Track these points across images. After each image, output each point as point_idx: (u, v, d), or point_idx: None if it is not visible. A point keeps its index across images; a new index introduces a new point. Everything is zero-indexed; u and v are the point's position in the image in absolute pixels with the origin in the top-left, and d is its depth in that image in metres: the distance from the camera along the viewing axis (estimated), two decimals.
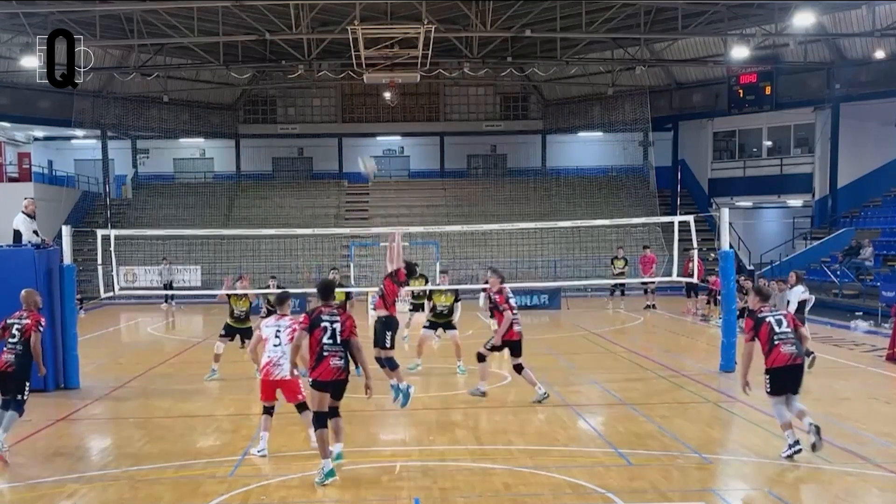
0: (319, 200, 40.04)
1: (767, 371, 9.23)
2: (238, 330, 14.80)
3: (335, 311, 8.80)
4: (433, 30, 25.13)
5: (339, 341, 8.62)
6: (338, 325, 8.64)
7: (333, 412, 8.81)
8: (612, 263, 26.79)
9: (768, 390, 9.28)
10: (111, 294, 17.23)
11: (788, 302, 15.54)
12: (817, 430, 9.08)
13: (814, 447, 9.06)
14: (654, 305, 25.96)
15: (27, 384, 9.85)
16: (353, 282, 28.16)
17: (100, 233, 15.80)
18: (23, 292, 10.34)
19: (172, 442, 10.49)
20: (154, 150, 42.71)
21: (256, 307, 15.75)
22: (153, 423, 11.58)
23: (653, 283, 25.72)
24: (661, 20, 30.06)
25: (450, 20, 29.59)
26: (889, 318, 18.01)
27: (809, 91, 32.75)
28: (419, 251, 31.08)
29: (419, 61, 27.02)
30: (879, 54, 29.49)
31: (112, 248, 16.08)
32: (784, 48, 32.05)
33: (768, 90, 33.21)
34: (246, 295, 15.00)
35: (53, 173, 40.24)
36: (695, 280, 17.89)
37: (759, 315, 9.38)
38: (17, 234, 14.37)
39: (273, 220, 36.61)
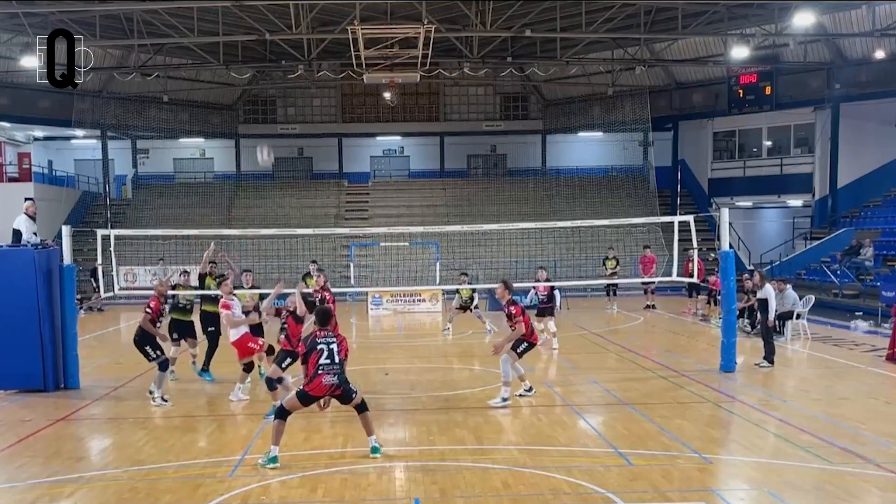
0: (319, 200, 40.05)
1: None
2: (183, 324, 14.74)
3: (331, 333, 9.40)
4: (433, 30, 25.12)
5: (336, 360, 9.19)
6: (335, 346, 9.22)
7: (360, 408, 9.47)
8: (604, 264, 26.78)
9: None
10: (111, 294, 17.24)
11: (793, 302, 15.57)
12: None
13: None
14: (653, 305, 25.96)
15: None
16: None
17: (100, 233, 15.80)
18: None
19: (172, 442, 10.49)
20: (154, 150, 42.70)
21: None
22: (153, 423, 11.58)
23: (653, 283, 25.71)
24: (661, 20, 30.05)
25: (450, 20, 29.58)
26: (889, 318, 18.02)
27: (809, 91, 32.75)
28: (419, 251, 31.11)
29: (419, 61, 27.02)
30: (879, 54, 29.49)
31: (112, 248, 16.09)
32: (784, 48, 32.04)
33: (768, 90, 33.23)
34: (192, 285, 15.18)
35: (53, 173, 40.23)
36: (695, 280, 17.90)
37: None
38: (16, 235, 14.37)
39: (273, 220, 36.62)
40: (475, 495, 8.19)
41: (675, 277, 17.75)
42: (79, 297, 20.48)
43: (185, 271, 15.93)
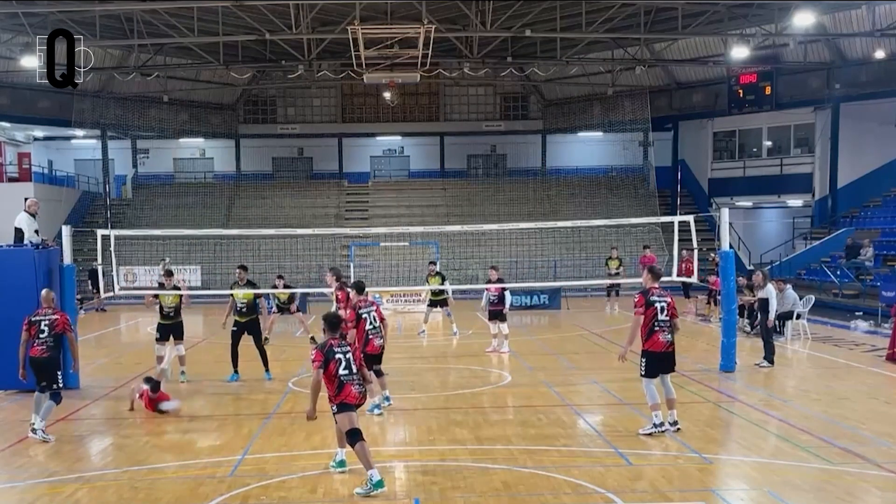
0: (319, 200, 40.04)
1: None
2: (170, 327, 14.65)
3: (344, 342, 8.93)
4: (433, 30, 25.12)
5: (354, 370, 8.71)
6: (350, 356, 8.76)
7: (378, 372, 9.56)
8: (607, 264, 26.77)
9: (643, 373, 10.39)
10: (111, 294, 17.24)
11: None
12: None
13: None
14: None
15: (59, 374, 10.85)
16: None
17: (100, 233, 15.79)
18: (43, 292, 11.54)
19: (172, 442, 10.49)
20: (154, 150, 42.71)
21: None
22: (153, 423, 11.58)
23: None
24: (661, 20, 30.05)
25: (450, 20, 29.60)
26: (889, 318, 18.02)
27: (809, 91, 32.76)
28: (419, 251, 31.09)
29: (419, 61, 27.02)
30: (879, 54, 29.50)
31: (112, 248, 16.09)
32: (784, 48, 32.04)
33: (768, 90, 33.23)
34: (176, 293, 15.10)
35: (53, 173, 40.24)
36: (693, 280, 17.87)
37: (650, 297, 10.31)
38: (18, 233, 14.35)
39: (273, 220, 36.63)
40: (475, 495, 8.19)
41: (675, 278, 17.73)
42: (79, 297, 20.48)
43: (169, 272, 15.61)
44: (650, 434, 10.17)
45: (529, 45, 34.40)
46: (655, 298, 10.25)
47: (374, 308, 11.95)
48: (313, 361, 8.64)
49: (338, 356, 8.65)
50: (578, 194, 38.81)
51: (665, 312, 10.23)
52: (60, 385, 10.89)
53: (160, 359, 14.43)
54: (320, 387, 8.63)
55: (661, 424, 10.25)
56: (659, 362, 10.29)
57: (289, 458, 9.56)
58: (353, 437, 8.44)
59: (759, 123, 36.07)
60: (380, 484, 8.18)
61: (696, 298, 24.88)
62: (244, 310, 14.58)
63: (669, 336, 10.25)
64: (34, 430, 10.59)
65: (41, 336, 10.77)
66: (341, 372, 8.59)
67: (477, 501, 8.08)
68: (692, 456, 9.39)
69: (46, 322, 10.84)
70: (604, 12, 28.15)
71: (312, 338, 17.31)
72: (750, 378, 14.26)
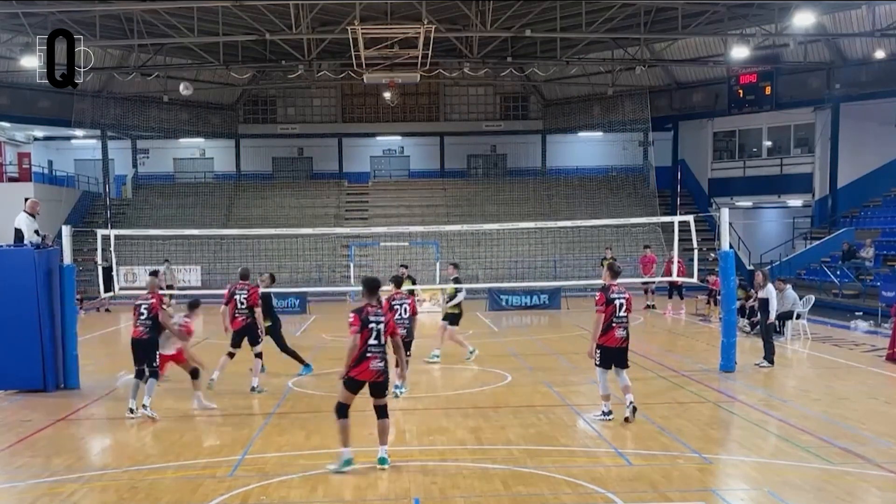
0: (319, 200, 40.06)
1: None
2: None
3: (379, 309, 8.84)
4: (433, 30, 25.13)
5: (382, 342, 8.68)
6: (382, 326, 8.69)
7: (382, 412, 8.95)
8: (602, 264, 26.74)
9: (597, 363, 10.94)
10: (111, 294, 17.23)
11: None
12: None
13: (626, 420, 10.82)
14: (653, 305, 25.96)
15: (157, 353, 11.87)
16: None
17: (100, 233, 15.80)
18: (149, 278, 12.99)
19: (172, 442, 10.49)
20: (154, 150, 42.74)
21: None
22: (153, 423, 11.57)
23: (653, 283, 25.72)
24: (661, 20, 30.06)
25: (450, 20, 29.59)
26: (889, 318, 18.02)
27: (809, 91, 32.75)
28: (419, 251, 31.11)
29: (419, 61, 27.03)
30: (879, 54, 29.50)
31: (112, 248, 16.08)
32: (784, 48, 32.03)
33: (768, 90, 33.24)
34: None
35: (53, 173, 40.26)
36: (679, 279, 17.88)
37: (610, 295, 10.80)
38: (18, 234, 14.35)
39: (273, 220, 36.63)
40: (475, 495, 8.19)
41: (675, 278, 17.76)
42: (79, 297, 20.48)
43: (155, 271, 15.57)
44: (597, 420, 10.98)
45: (529, 45, 34.41)
46: (615, 295, 10.82)
47: (409, 301, 12.76)
48: (351, 325, 8.66)
49: (371, 325, 8.63)
50: (578, 194, 38.82)
51: (623, 308, 10.81)
52: (157, 364, 11.87)
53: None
54: (354, 352, 8.68)
55: (610, 413, 10.99)
56: (612, 356, 10.91)
57: (289, 458, 9.56)
58: (342, 412, 8.75)
59: (759, 123, 36.08)
60: (349, 462, 8.77)
61: (697, 298, 24.90)
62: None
63: (625, 332, 10.87)
64: (132, 411, 11.55)
65: (140, 318, 11.77)
66: (370, 342, 8.62)
67: (477, 501, 8.08)
68: (692, 456, 9.39)
69: (146, 305, 11.82)
70: (604, 12, 28.15)
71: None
72: (750, 378, 14.25)
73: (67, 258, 14.46)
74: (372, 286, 8.92)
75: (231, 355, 13.61)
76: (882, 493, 8.17)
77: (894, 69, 29.81)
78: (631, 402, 10.91)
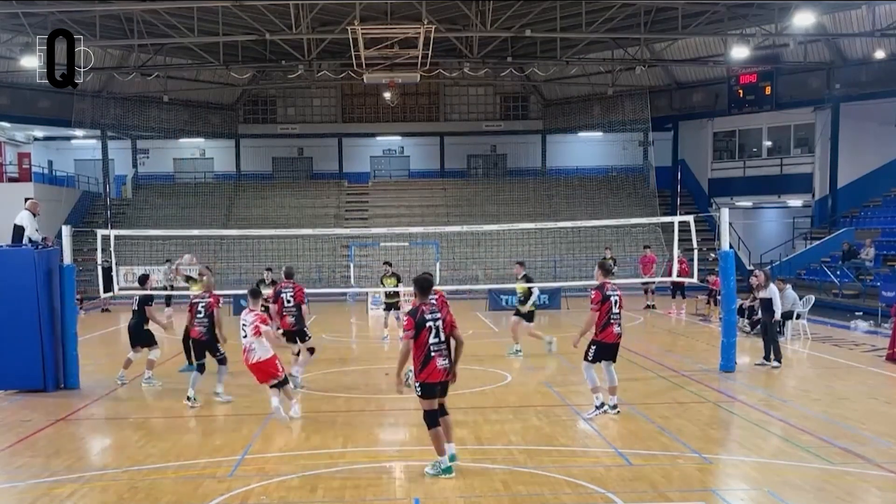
0: (319, 200, 40.07)
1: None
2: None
3: (435, 307, 8.62)
4: (433, 30, 25.13)
5: (443, 338, 8.51)
6: (440, 322, 8.51)
7: (442, 410, 8.72)
8: None
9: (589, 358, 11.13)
10: (111, 294, 17.22)
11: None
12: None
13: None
14: (653, 305, 25.96)
15: (218, 345, 12.65)
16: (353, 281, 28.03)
17: (100, 233, 15.79)
18: (205, 278, 13.95)
19: (172, 442, 10.48)
20: (154, 150, 42.73)
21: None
22: (153, 423, 11.58)
23: (653, 283, 25.72)
24: (661, 20, 30.06)
25: (450, 20, 29.59)
26: (889, 318, 18.02)
27: (809, 91, 32.76)
28: (419, 251, 31.11)
29: (419, 61, 27.02)
30: (879, 54, 29.51)
31: (112, 248, 16.08)
32: (784, 48, 32.04)
33: (768, 90, 33.25)
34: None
35: (53, 173, 40.26)
36: (693, 279, 17.88)
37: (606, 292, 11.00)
38: (18, 231, 14.34)
39: (273, 220, 36.64)
40: (475, 495, 8.19)
41: (674, 278, 17.76)
42: (79, 297, 20.47)
43: (145, 276, 15.51)
44: (592, 417, 11.07)
45: (529, 45, 34.41)
46: (610, 293, 11.01)
47: (437, 296, 12.62)
48: (405, 330, 8.47)
49: (429, 324, 8.40)
50: (578, 194, 38.83)
51: (617, 305, 11.04)
52: (223, 352, 12.67)
53: (128, 362, 14.39)
54: (408, 358, 8.47)
55: (602, 405, 11.18)
56: (607, 352, 11.16)
57: (289, 458, 9.56)
58: (431, 419, 8.53)
59: (759, 123, 36.08)
60: (448, 470, 8.53)
61: (697, 298, 24.89)
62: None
63: (620, 329, 11.13)
64: (190, 399, 12.31)
65: (198, 316, 12.60)
66: (431, 341, 8.40)
67: (477, 501, 8.08)
68: (692, 456, 9.39)
69: (202, 304, 12.62)
70: (604, 12, 28.15)
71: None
72: (750, 378, 14.26)
73: (67, 258, 14.46)
74: (424, 286, 8.68)
75: (302, 352, 13.81)
76: (882, 493, 8.17)
77: (894, 69, 29.81)
78: (615, 405, 11.25)
